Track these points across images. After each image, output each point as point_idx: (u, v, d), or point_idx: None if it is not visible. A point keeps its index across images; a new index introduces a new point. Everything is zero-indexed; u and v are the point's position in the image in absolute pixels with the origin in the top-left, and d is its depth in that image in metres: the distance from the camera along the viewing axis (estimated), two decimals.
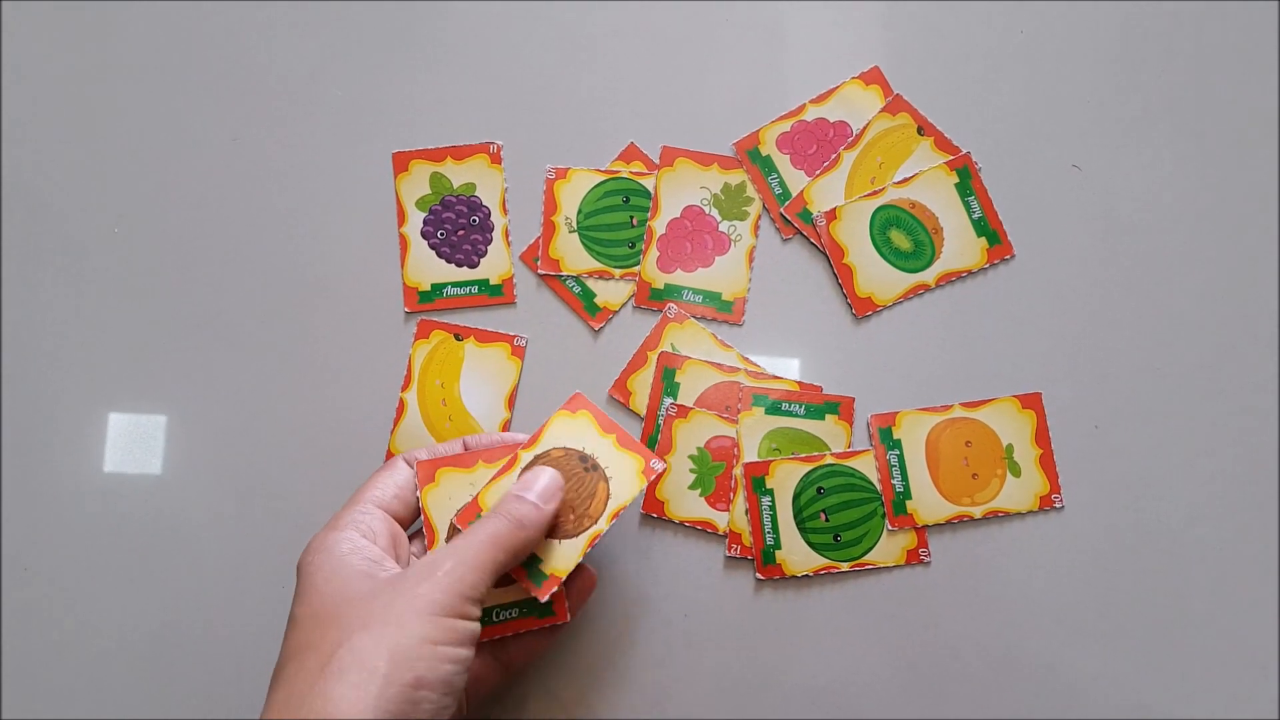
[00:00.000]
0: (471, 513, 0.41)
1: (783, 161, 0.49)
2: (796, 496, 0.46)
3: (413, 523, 0.42)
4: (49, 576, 0.47)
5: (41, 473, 0.48)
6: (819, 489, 0.46)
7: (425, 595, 0.34)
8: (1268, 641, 0.45)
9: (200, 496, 0.47)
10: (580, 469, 0.42)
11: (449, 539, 0.41)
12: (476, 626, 0.36)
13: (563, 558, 0.40)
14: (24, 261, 0.49)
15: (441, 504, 0.42)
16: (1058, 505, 0.46)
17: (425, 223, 0.49)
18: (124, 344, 0.49)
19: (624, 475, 0.42)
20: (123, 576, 0.47)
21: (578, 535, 0.41)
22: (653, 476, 0.42)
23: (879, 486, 0.46)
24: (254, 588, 0.46)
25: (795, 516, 0.46)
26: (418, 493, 0.42)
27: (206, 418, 0.48)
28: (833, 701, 0.45)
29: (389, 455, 0.47)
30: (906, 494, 0.46)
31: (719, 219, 0.48)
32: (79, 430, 0.48)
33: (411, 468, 0.42)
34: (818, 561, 0.46)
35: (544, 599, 0.39)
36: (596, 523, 0.41)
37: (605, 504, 0.41)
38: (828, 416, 0.47)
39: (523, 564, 0.40)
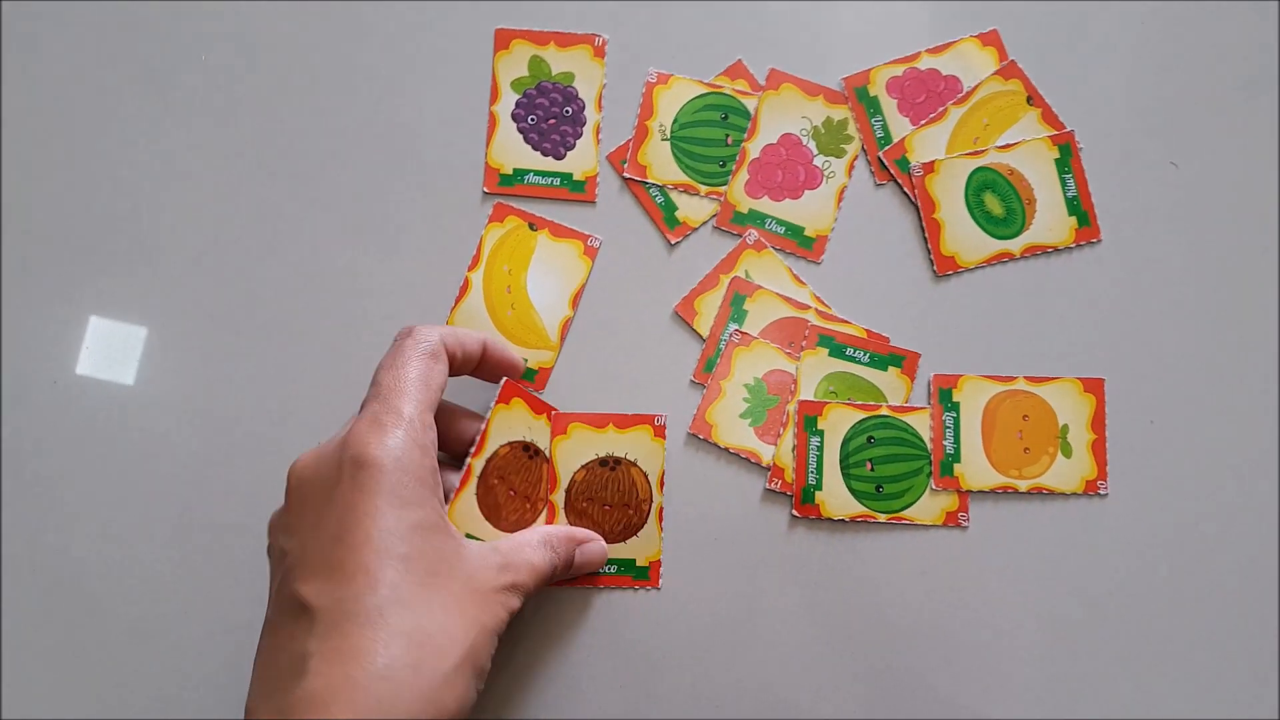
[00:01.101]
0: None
1: (889, 105, 0.48)
2: (846, 441, 0.46)
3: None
4: None
5: (11, 363, 0.47)
6: (869, 438, 0.46)
7: (493, 614, 0.36)
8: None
9: (169, 412, 0.46)
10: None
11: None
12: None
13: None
14: (34, 132, 0.48)
15: (503, 430, 0.43)
16: (1102, 492, 0.46)
17: (518, 105, 0.48)
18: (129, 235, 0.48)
19: (638, 447, 0.45)
20: (76, 479, 0.46)
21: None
22: (664, 431, 0.45)
23: (930, 445, 0.46)
24: (208, 508, 0.46)
25: (841, 461, 0.46)
26: (488, 409, 0.43)
27: (189, 332, 0.47)
28: (850, 647, 0.45)
29: None
30: (956, 457, 0.46)
31: (815, 152, 0.48)
32: (59, 326, 0.47)
33: (444, 359, 0.39)
34: (856, 509, 0.45)
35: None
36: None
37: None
38: (890, 368, 0.46)
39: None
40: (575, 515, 0.44)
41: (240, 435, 0.46)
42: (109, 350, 0.46)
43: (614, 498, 0.45)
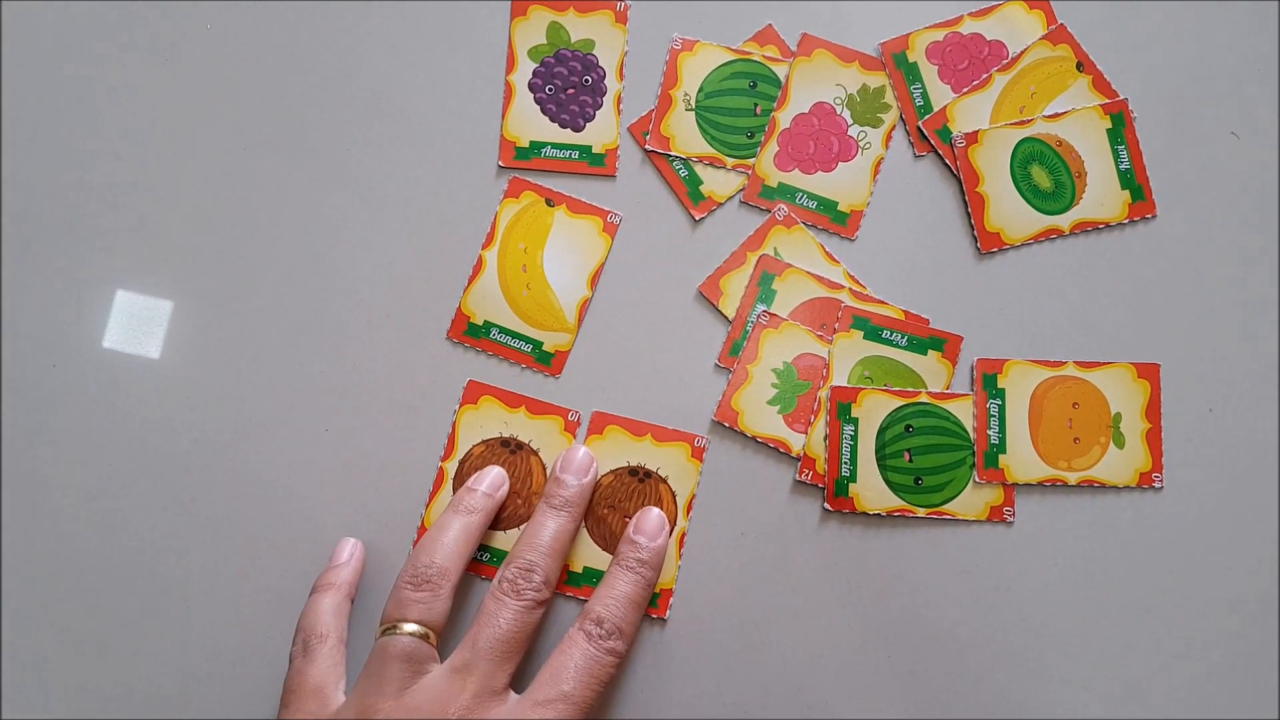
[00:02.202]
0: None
1: (930, 72, 0.45)
2: (882, 431, 0.43)
3: None
4: (20, 436, 0.44)
5: (38, 335, 0.45)
6: (908, 427, 0.43)
7: None
8: None
9: (194, 385, 0.44)
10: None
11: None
12: None
13: None
14: (64, 105, 0.46)
15: (473, 429, 0.43)
16: (1157, 485, 0.43)
17: (535, 74, 0.45)
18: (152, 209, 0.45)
19: (672, 465, 0.43)
20: (99, 453, 0.44)
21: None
22: (703, 454, 0.43)
23: (973, 435, 0.43)
24: (229, 486, 0.44)
25: (877, 451, 0.43)
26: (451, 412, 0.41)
27: (219, 302, 0.45)
28: (886, 650, 0.42)
29: (459, 314, 0.44)
30: (1001, 447, 0.43)
31: (850, 122, 0.45)
32: (84, 300, 0.45)
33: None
34: (893, 502, 0.43)
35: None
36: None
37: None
38: (930, 352, 0.44)
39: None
40: (593, 521, 0.42)
41: (260, 410, 0.44)
42: (135, 324, 0.45)
43: (637, 511, 0.42)
